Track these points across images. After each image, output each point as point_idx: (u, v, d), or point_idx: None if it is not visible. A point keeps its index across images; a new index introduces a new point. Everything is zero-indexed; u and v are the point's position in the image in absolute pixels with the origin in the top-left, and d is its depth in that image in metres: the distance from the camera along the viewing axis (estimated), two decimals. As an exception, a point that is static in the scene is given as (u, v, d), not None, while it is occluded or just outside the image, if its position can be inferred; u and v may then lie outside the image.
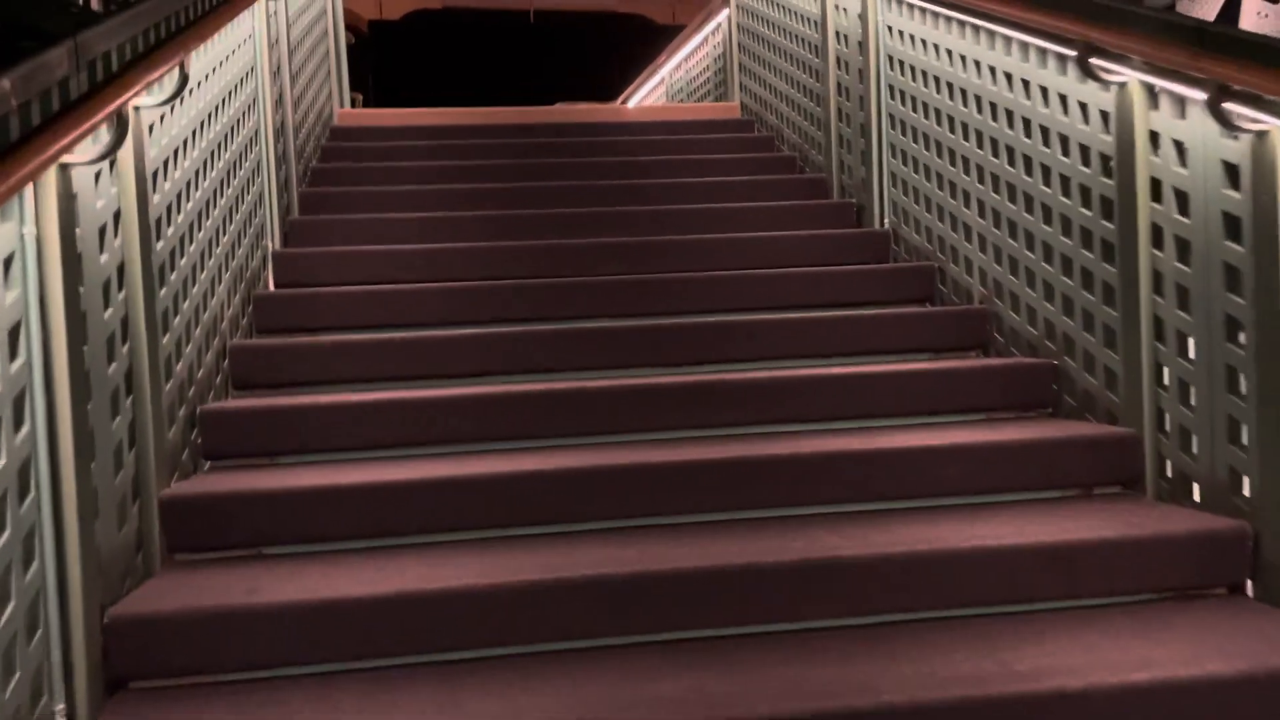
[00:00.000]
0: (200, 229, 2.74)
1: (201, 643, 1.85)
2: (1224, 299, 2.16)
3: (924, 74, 3.53)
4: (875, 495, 2.39)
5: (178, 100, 2.47)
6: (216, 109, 2.99)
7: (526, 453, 2.51)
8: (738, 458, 2.40)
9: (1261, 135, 2.00)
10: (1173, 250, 2.33)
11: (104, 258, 2.02)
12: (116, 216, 2.11)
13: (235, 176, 3.18)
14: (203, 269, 2.73)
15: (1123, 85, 2.41)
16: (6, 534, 1.57)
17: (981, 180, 3.19)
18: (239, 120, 3.28)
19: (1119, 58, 2.38)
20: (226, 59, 3.13)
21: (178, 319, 2.46)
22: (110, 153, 1.93)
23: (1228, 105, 2.00)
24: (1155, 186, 2.39)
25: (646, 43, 14.86)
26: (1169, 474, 2.38)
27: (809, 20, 4.54)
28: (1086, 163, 2.65)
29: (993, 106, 3.10)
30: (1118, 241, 2.50)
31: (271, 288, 3.49)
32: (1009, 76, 3.00)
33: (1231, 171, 2.12)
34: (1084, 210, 2.66)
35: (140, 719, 1.73)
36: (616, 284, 3.39)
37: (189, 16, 2.53)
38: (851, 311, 3.21)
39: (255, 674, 1.87)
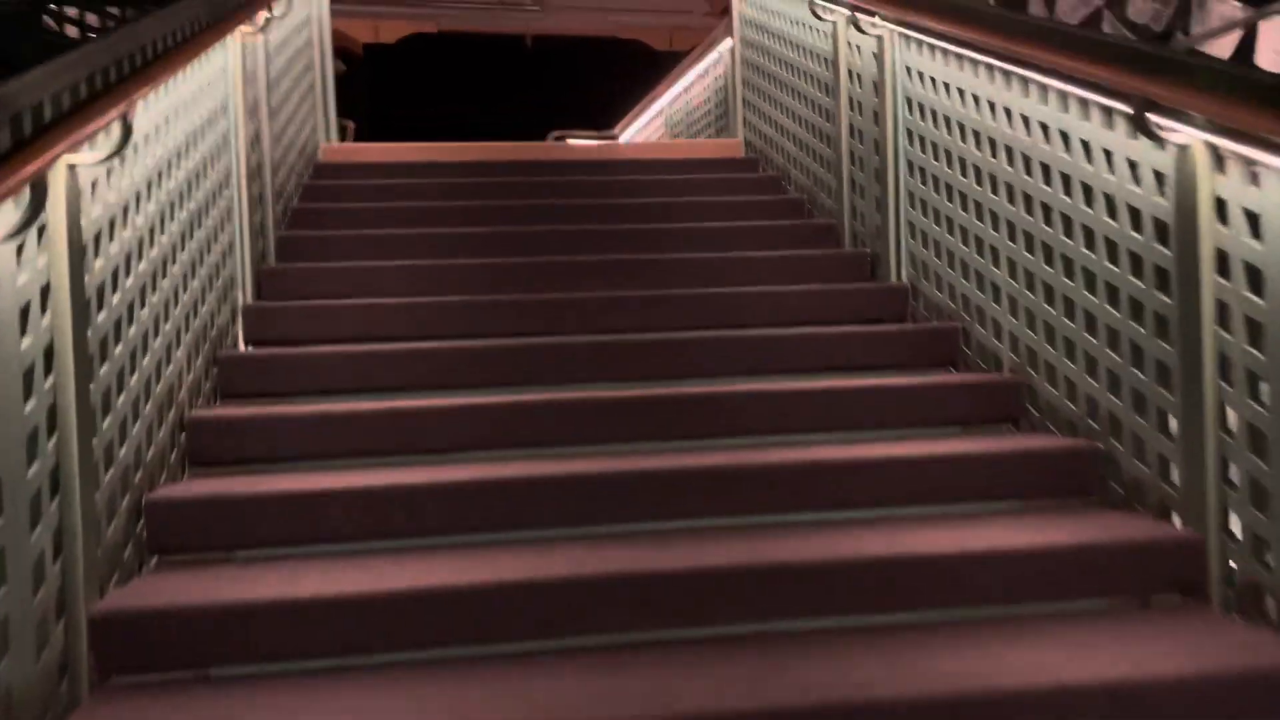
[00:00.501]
0: (155, 290, 2.47)
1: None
2: (1306, 392, 1.91)
3: (947, 120, 3.28)
4: (904, 604, 2.12)
5: (129, 150, 2.22)
6: (180, 153, 2.73)
7: (519, 550, 2.23)
8: (774, 565, 2.11)
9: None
10: (1243, 332, 2.08)
11: (26, 341, 1.75)
12: (46, 291, 1.85)
13: (201, 226, 2.91)
14: (157, 334, 2.46)
15: (1184, 147, 2.16)
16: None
17: (1012, 238, 2.94)
18: (207, 163, 3.02)
19: (1180, 115, 2.13)
20: (193, 99, 2.88)
21: (123, 397, 2.18)
22: (26, 225, 1.66)
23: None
24: (1221, 259, 2.13)
25: (643, 69, 14.71)
26: (1236, 582, 2.11)
27: (819, 57, 4.30)
28: (1138, 228, 2.39)
29: (1026, 159, 2.85)
30: (1176, 318, 2.24)
31: (241, 346, 3.22)
32: (1045, 127, 2.75)
33: (1316, 249, 1.87)
34: (1134, 280, 2.40)
35: None
36: (617, 345, 3.12)
37: (139, 60, 2.27)
38: (876, 380, 2.93)
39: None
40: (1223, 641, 1.91)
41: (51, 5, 4.85)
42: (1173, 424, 2.28)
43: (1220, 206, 2.13)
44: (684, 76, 7.49)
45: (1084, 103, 2.56)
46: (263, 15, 3.55)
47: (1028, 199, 2.85)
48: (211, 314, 2.97)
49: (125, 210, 2.28)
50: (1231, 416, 2.12)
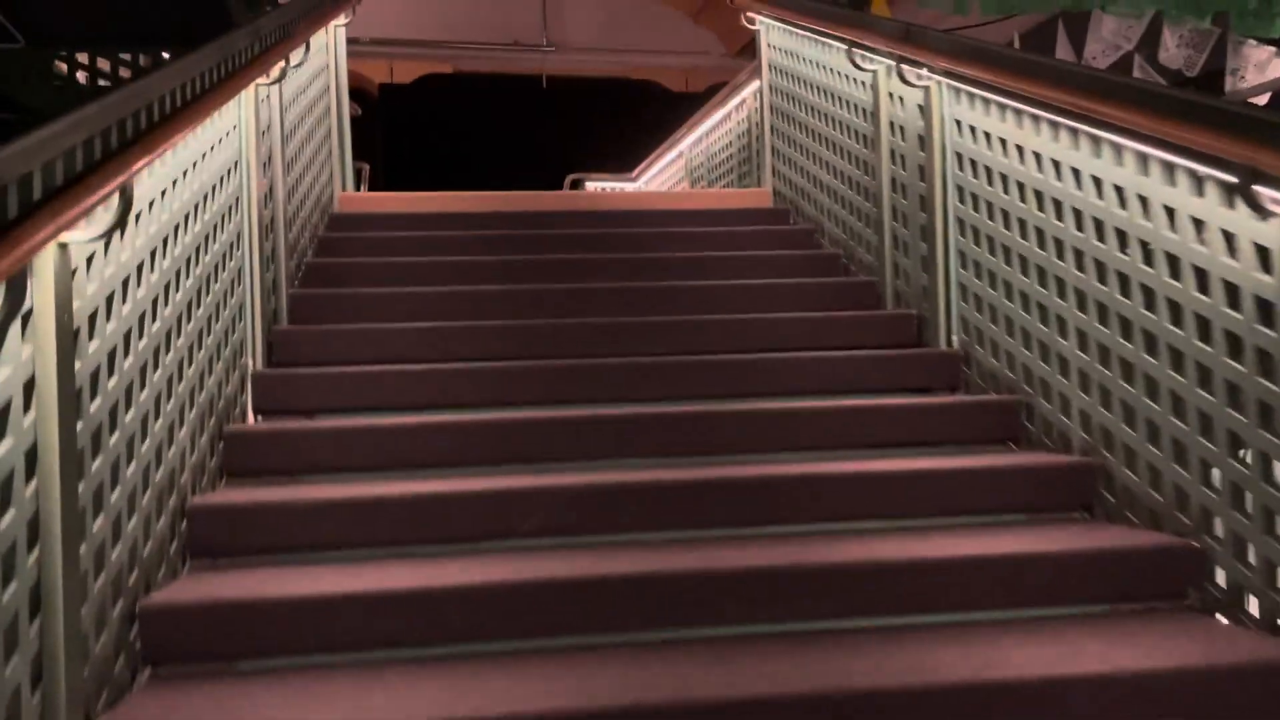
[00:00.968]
0: (158, 367, 2.26)
1: None
2: None
3: (1004, 178, 3.08)
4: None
5: (130, 219, 2.03)
6: (188, 216, 2.54)
7: (553, 663, 2.00)
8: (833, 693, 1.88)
9: None
10: (1371, 430, 1.85)
11: (4, 446, 1.55)
12: (30, 385, 1.64)
13: (209, 292, 2.72)
14: (158, 416, 2.25)
15: (1296, 220, 1.95)
16: None
17: (1083, 308, 2.72)
18: (217, 224, 2.84)
19: (1293, 187, 1.92)
20: (202, 158, 2.70)
21: (117, 491, 1.97)
22: (7, 318, 1.46)
23: None
24: (1341, 346, 1.91)
25: (659, 110, 14.65)
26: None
27: (858, 108, 4.12)
28: (1235, 305, 2.17)
29: (1098, 224, 2.64)
30: (1286, 408, 2.02)
31: (250, 417, 3.01)
32: (1120, 190, 2.54)
33: None
34: (1232, 363, 2.18)
35: None
36: (651, 418, 2.90)
37: (142, 124, 2.08)
38: (934, 462, 2.70)
39: None
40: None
41: (62, 49, 4.71)
42: (1282, 525, 2.05)
43: (1340, 288, 1.91)
44: (706, 120, 7.34)
45: (1168, 166, 2.36)
46: (279, 67, 3.39)
47: (1100, 266, 2.64)
48: (219, 384, 2.76)
49: (125, 284, 2.08)
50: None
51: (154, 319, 2.25)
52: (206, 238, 2.72)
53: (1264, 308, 2.09)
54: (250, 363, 3.11)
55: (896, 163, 3.81)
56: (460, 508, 2.43)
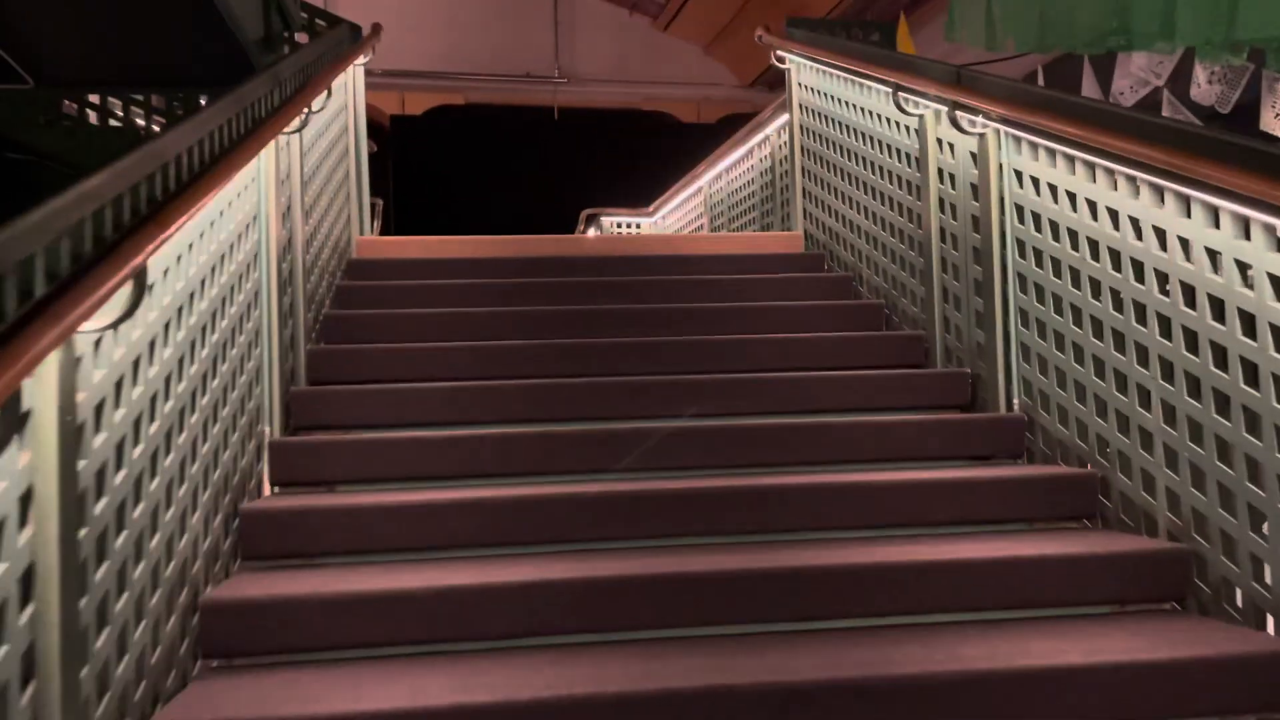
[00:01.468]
0: (170, 450, 2.07)
1: None
2: None
3: (1073, 234, 2.88)
4: None
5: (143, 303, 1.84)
6: (204, 281, 2.36)
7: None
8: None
9: None
10: None
11: (-4, 573, 1.35)
12: (28, 497, 1.44)
13: (225, 359, 2.53)
14: (169, 505, 2.05)
15: None
16: None
17: (1169, 377, 2.51)
18: (234, 286, 2.65)
19: None
20: (220, 217, 2.52)
21: (124, 599, 1.77)
22: (5, 435, 1.26)
23: None
24: None
25: (671, 141, 14.56)
26: None
27: (901, 153, 3.94)
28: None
29: (1189, 290, 2.43)
30: None
31: (266, 488, 2.81)
32: (1214, 255, 2.34)
33: None
34: (1358, 451, 1.97)
35: None
36: (697, 494, 2.68)
37: (159, 191, 1.90)
38: (1009, 546, 2.47)
39: None
40: None
41: (72, 91, 4.56)
42: None
43: None
44: (726, 157, 7.19)
45: (1271, 229, 2.16)
46: (300, 115, 3.22)
47: (1191, 336, 2.43)
48: (235, 457, 2.56)
49: (136, 365, 1.89)
50: None
51: (166, 398, 2.06)
52: (224, 300, 2.54)
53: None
54: (267, 429, 2.92)
55: (946, 212, 3.62)
56: (494, 602, 2.21)
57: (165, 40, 3.93)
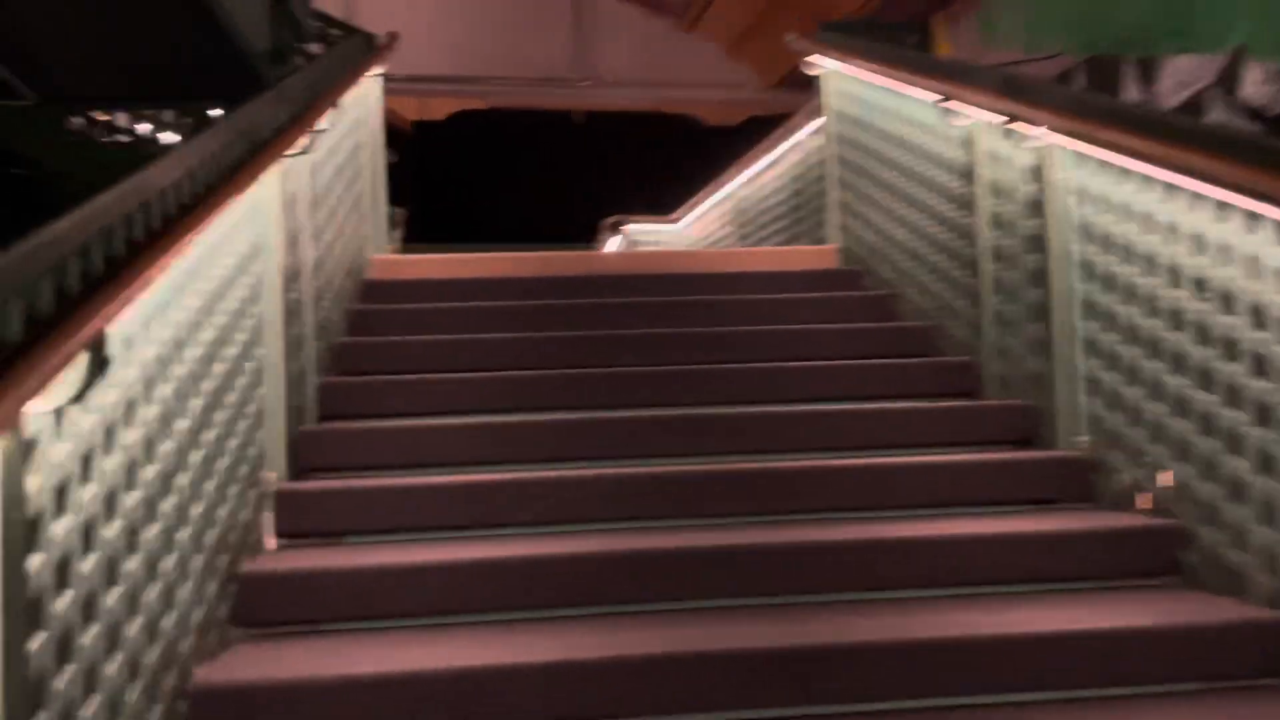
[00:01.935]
0: (154, 519, 1.86)
1: None
2: None
3: (1149, 259, 2.62)
4: None
5: (121, 350, 1.63)
6: (195, 326, 2.15)
7: None
8: None
9: None
10: None
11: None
12: (-35, 610, 1.23)
13: (222, 406, 2.32)
14: (153, 580, 1.84)
15: None
16: None
17: (1264, 421, 2.25)
18: (232, 325, 2.44)
19: None
20: (214, 252, 2.31)
21: (94, 706, 1.55)
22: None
23: None
24: None
25: (694, 144, 14.32)
26: None
27: (948, 165, 3.68)
28: None
29: (1289, 326, 2.18)
30: None
31: (269, 542, 2.60)
32: (1321, 289, 2.08)
33: None
34: None
35: None
36: (745, 552, 2.43)
37: (139, 231, 1.69)
38: (1084, 618, 2.22)
39: None
40: None
41: (75, 107, 4.39)
42: None
43: None
44: (755, 163, 6.94)
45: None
46: (307, 138, 3.01)
47: (1292, 378, 2.17)
48: (233, 512, 2.35)
49: (111, 432, 1.68)
50: None
51: (150, 460, 1.85)
52: (220, 343, 2.33)
53: None
54: (271, 475, 2.70)
55: (999, 230, 3.36)
56: (517, 685, 1.99)
57: (166, 54, 3.75)
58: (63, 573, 1.48)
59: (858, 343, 3.79)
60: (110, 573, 1.65)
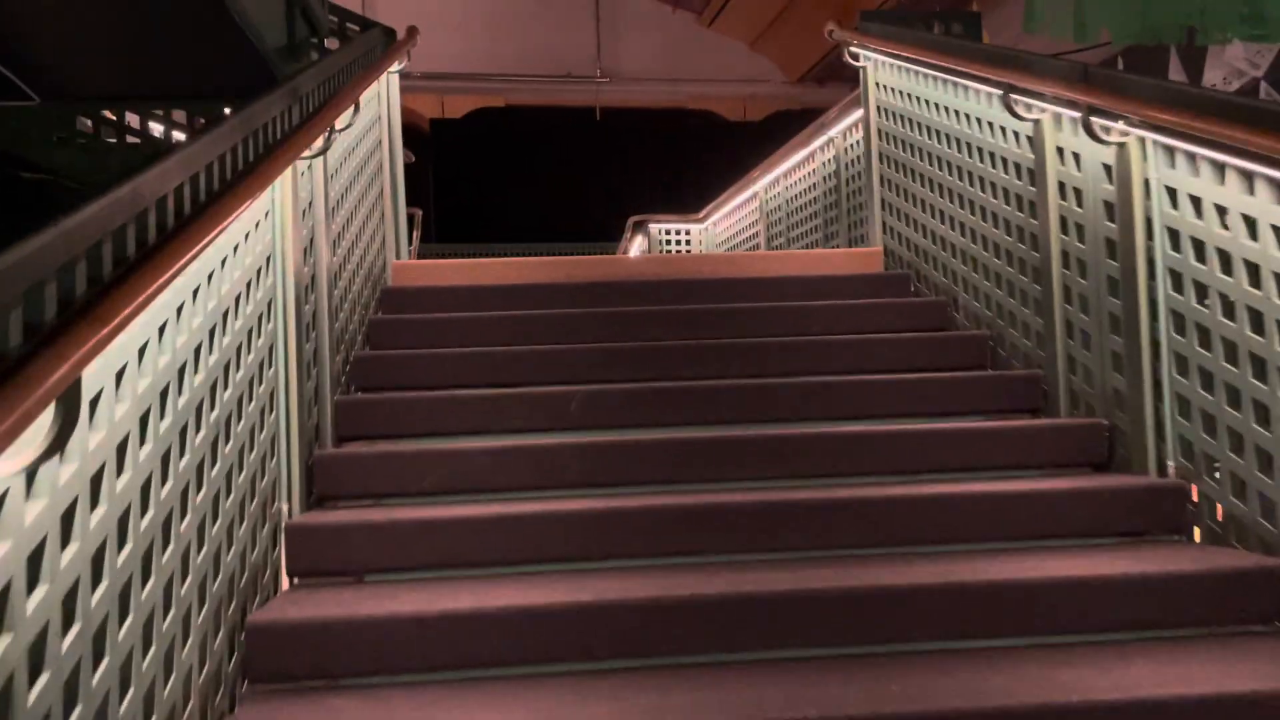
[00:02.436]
0: (147, 577, 1.63)
1: None
2: None
3: (1251, 268, 2.35)
4: None
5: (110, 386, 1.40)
6: (198, 351, 1.92)
7: None
8: None
9: None
10: None
11: None
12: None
13: (229, 438, 2.09)
14: (149, 648, 1.61)
15: None
16: None
17: (1402, 456, 1.98)
18: (242, 345, 2.22)
19: None
20: (221, 265, 2.09)
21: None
22: None
23: None
24: None
25: (717, 140, 14.10)
26: None
27: (1010, 163, 3.42)
28: None
29: None
30: None
31: (284, 582, 2.38)
32: None
33: None
34: None
35: None
36: (808, 601, 2.18)
37: (130, 248, 1.46)
38: (1200, 678, 1.96)
39: None
40: None
41: (84, 107, 4.18)
42: None
43: None
44: (784, 161, 6.69)
45: None
46: (323, 137, 2.78)
47: None
48: (243, 553, 2.13)
49: (98, 479, 1.45)
50: None
51: (145, 511, 1.62)
52: (227, 366, 2.10)
53: None
54: (284, 507, 2.49)
55: (1070, 233, 3.10)
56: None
57: (175, 51, 3.53)
58: (37, 656, 1.26)
59: (912, 353, 3.53)
60: (97, 648, 1.42)
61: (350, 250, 3.51)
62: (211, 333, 2.00)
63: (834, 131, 5.71)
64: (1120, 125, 2.74)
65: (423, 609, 2.07)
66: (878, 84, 4.65)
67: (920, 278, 4.20)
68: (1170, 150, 2.62)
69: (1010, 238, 3.44)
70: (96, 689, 1.41)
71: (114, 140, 4.55)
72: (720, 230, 8.55)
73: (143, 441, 1.62)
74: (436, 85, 13.42)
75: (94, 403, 1.44)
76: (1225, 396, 2.46)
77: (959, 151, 3.81)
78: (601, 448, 2.82)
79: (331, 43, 4.75)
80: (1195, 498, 2.56)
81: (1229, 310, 2.44)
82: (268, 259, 2.47)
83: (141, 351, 1.64)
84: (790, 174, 6.60)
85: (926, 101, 4.08)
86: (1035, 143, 3.22)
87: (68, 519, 1.36)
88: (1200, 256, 2.53)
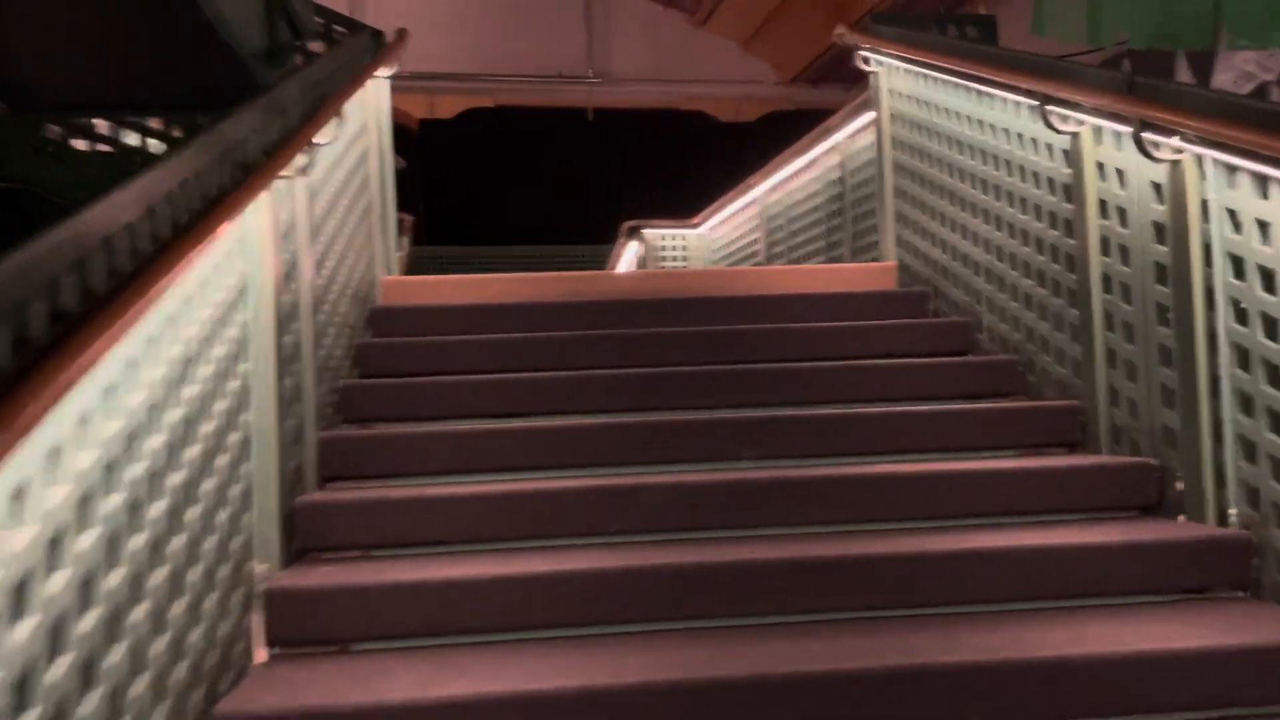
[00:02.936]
0: (91, 687, 1.39)
1: None
2: None
3: (1334, 302, 2.14)
4: None
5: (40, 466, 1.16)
6: (150, 411, 1.68)
7: None
8: None
9: None
10: None
11: None
12: None
13: (194, 502, 1.85)
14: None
15: None
16: None
17: None
18: (209, 395, 1.97)
19: None
20: (183, 306, 1.84)
21: None
22: None
23: None
24: None
25: (710, 142, 13.88)
26: None
27: (1045, 179, 3.19)
28: None
29: None
30: None
31: (259, 653, 2.13)
32: None
33: None
34: None
35: None
36: (833, 680, 1.96)
37: (75, 298, 1.22)
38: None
39: None
40: None
41: (54, 116, 3.92)
42: None
43: None
44: (785, 167, 6.46)
45: None
46: (300, 157, 2.54)
47: None
48: (210, 629, 1.88)
49: (21, 589, 1.21)
50: None
51: (86, 610, 1.38)
52: (194, 420, 1.86)
53: None
54: (260, 567, 2.24)
55: (1112, 254, 2.87)
56: None
57: (149, 57, 3.28)
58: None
59: (938, 379, 3.31)
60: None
61: (336, 270, 3.26)
62: (172, 386, 1.75)
63: (839, 137, 5.49)
64: (1174, 141, 2.51)
65: (416, 696, 1.82)
66: (891, 90, 4.42)
67: (939, 294, 3.98)
68: (1231, 169, 2.40)
69: (1043, 256, 3.22)
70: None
71: (87, 149, 4.29)
72: (718, 237, 8.33)
73: (84, 529, 1.38)
74: (426, 85, 13.15)
75: (18, 494, 1.20)
76: (1297, 440, 2.24)
77: (984, 163, 3.58)
78: (609, 493, 2.59)
79: (318, 45, 4.51)
80: (1259, 553, 2.34)
81: (1303, 347, 2.23)
82: (242, 292, 2.22)
83: (85, 420, 1.39)
84: (791, 180, 6.38)
85: (947, 110, 3.86)
86: (1072, 157, 3.00)
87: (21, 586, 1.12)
88: (1269, 286, 2.31)
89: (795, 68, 13.84)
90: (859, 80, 4.75)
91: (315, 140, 2.69)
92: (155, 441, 1.65)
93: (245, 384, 2.21)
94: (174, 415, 1.75)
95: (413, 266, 10.96)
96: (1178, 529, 2.48)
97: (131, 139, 4.24)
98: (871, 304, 3.98)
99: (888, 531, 2.53)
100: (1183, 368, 2.55)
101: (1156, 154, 2.57)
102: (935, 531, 2.51)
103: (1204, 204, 2.50)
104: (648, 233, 9.33)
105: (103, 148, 4.32)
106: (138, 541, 1.56)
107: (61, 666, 1.29)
